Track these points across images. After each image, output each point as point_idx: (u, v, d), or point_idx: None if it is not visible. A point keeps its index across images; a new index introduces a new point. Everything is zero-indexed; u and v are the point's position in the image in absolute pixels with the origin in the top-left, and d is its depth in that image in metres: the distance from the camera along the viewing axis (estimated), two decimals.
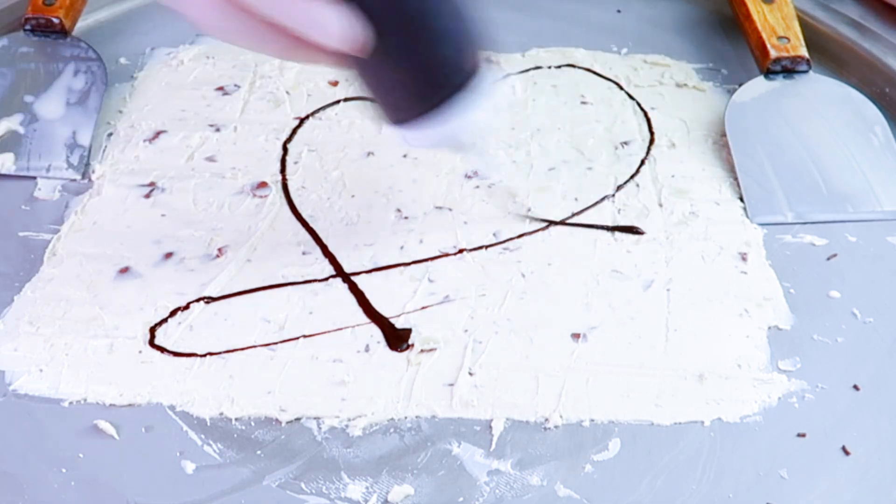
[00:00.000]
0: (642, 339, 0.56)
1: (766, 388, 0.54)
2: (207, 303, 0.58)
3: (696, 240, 0.62)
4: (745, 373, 0.54)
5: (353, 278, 0.59)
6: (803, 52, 0.73)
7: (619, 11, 0.85)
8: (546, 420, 0.52)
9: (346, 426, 0.52)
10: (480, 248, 0.62)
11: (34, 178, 0.66)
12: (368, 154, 0.69)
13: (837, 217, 0.64)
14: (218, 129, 0.71)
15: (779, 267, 0.61)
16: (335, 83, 0.75)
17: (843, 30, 0.79)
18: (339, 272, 0.60)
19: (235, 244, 0.61)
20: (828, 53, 0.78)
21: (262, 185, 0.66)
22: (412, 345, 0.55)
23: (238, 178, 0.66)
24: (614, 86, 0.76)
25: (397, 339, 0.56)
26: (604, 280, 0.59)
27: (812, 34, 0.77)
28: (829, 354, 0.56)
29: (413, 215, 0.64)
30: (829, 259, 0.62)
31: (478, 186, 0.66)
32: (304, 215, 0.64)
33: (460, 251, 0.61)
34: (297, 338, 0.56)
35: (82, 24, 0.80)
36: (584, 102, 0.74)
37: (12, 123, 0.68)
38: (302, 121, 0.72)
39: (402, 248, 0.61)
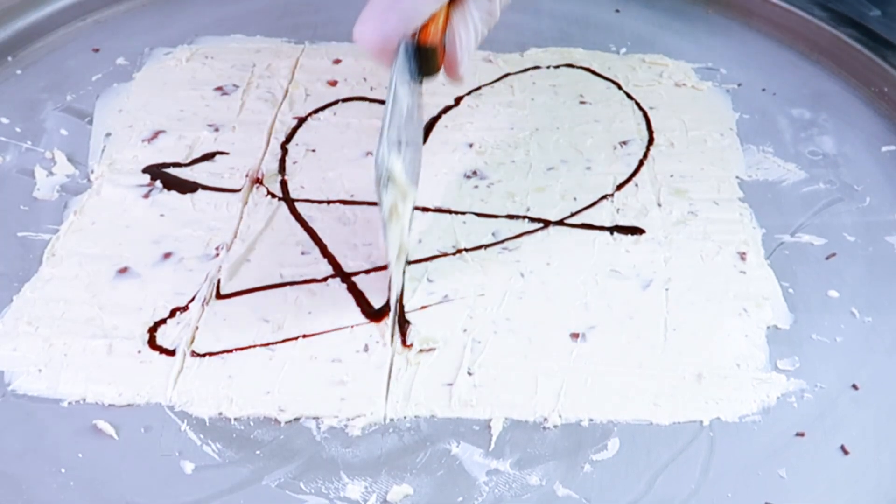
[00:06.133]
0: (641, 339, 0.56)
1: (765, 388, 0.54)
2: (206, 303, 0.58)
3: (694, 239, 0.62)
4: (743, 372, 0.54)
5: (351, 278, 0.59)
6: None
7: (617, 11, 0.85)
8: (545, 420, 0.52)
9: (345, 426, 0.52)
10: (479, 247, 0.62)
11: (33, 177, 0.66)
12: (367, 154, 0.69)
13: None
14: (217, 129, 0.70)
15: (777, 266, 0.61)
16: (334, 83, 0.75)
17: (843, 29, 0.79)
18: (338, 272, 0.60)
19: (234, 244, 0.61)
20: (827, 53, 0.79)
21: (261, 185, 0.66)
22: (411, 344, 0.55)
23: (236, 178, 0.66)
24: (613, 85, 0.76)
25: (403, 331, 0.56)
26: (602, 280, 0.59)
27: (812, 33, 0.77)
28: (827, 354, 0.56)
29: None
30: (827, 258, 0.62)
31: (476, 186, 0.66)
32: (303, 215, 0.64)
33: (459, 251, 0.61)
34: (296, 338, 0.56)
35: (81, 24, 0.81)
36: (582, 102, 0.74)
37: None
38: (301, 121, 0.72)
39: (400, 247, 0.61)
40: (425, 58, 0.57)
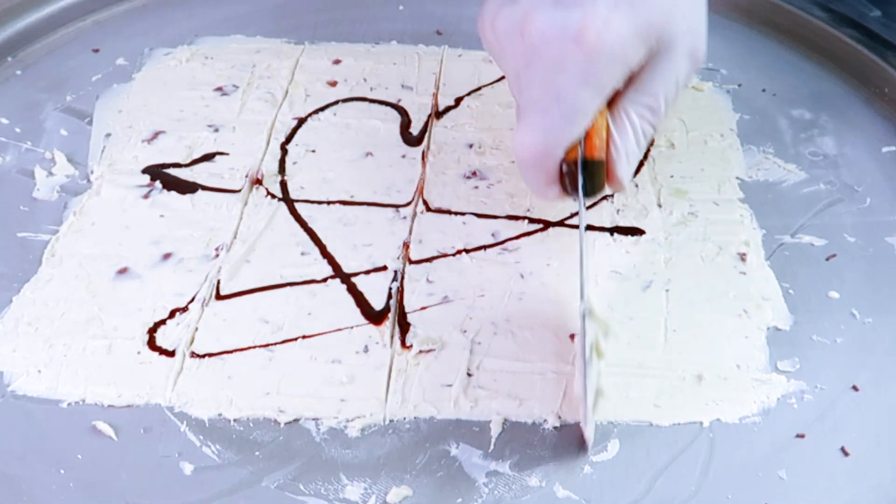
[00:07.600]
0: (641, 340, 0.56)
1: (765, 389, 0.54)
2: (206, 303, 0.58)
3: (695, 240, 0.62)
4: (744, 373, 0.54)
5: (351, 279, 0.59)
6: None
7: None
8: (545, 421, 0.52)
9: (345, 427, 0.52)
10: (479, 248, 0.62)
11: (33, 177, 0.66)
12: (367, 154, 0.69)
13: None
14: (216, 130, 0.70)
15: (778, 267, 0.61)
16: (334, 83, 0.75)
17: (843, 30, 0.79)
18: (338, 272, 0.60)
19: (234, 245, 0.61)
20: (828, 53, 0.78)
21: (261, 185, 0.66)
22: (411, 345, 0.55)
23: (236, 179, 0.66)
24: None
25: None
26: (603, 280, 0.59)
27: (812, 34, 0.77)
28: (828, 355, 0.56)
29: (411, 216, 0.64)
30: (827, 259, 0.62)
31: (476, 187, 0.66)
32: (303, 216, 0.64)
33: (459, 252, 0.61)
34: (296, 338, 0.56)
35: (81, 24, 0.81)
36: None
37: None
38: (300, 121, 0.72)
39: (400, 248, 0.61)
40: (591, 172, 0.54)
